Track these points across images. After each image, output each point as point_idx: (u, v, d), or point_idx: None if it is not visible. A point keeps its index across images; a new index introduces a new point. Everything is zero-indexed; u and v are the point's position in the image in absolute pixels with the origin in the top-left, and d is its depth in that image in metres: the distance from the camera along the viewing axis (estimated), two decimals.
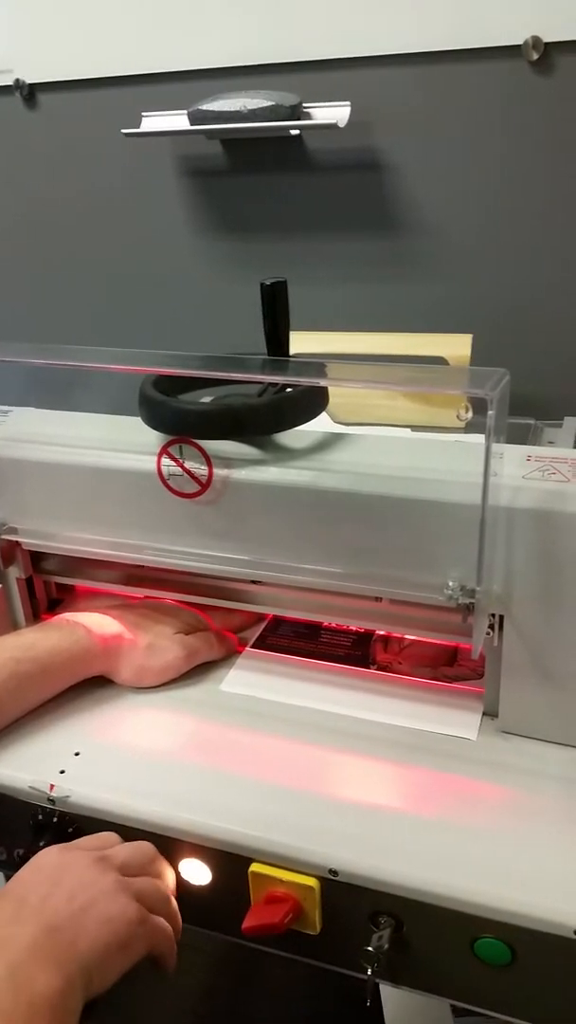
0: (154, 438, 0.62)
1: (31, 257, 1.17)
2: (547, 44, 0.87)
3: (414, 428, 0.84)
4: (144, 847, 0.54)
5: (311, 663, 0.69)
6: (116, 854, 0.52)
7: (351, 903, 0.52)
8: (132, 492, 0.63)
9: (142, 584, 0.72)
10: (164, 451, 0.60)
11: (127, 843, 0.54)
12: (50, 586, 0.77)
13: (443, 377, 0.57)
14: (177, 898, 0.55)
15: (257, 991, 0.99)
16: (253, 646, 0.72)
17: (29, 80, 1.06)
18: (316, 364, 0.58)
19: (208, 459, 0.60)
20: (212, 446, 0.61)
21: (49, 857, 0.50)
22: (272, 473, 0.60)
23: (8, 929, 0.44)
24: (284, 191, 1.02)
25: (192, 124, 0.99)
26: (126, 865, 0.51)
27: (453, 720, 0.62)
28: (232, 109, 0.97)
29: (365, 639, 0.71)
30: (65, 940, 0.44)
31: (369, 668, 0.68)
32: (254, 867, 0.53)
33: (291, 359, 0.63)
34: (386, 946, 0.51)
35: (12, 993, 0.41)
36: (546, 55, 0.88)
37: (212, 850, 0.55)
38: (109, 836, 0.55)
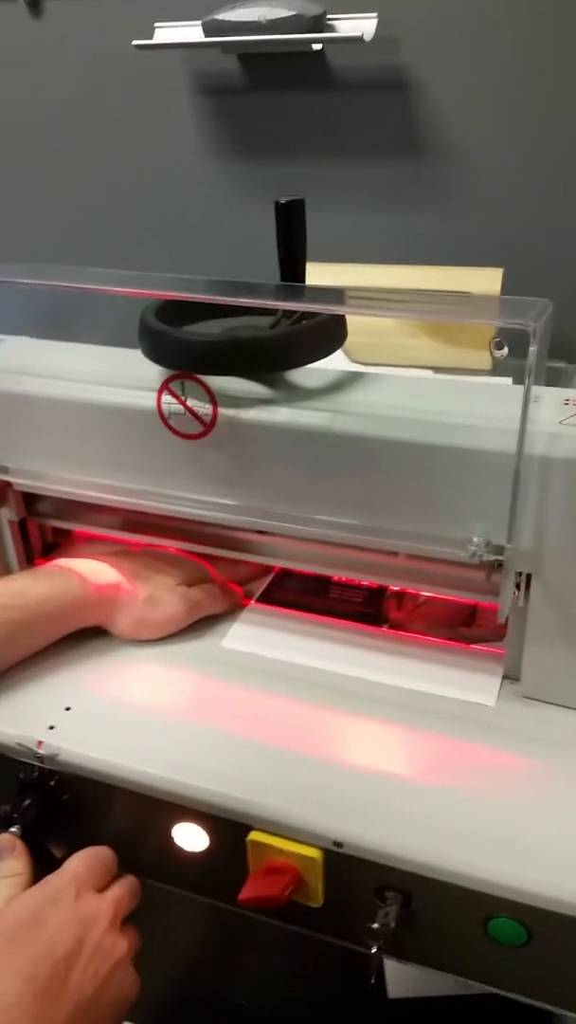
0: (156, 373, 0.57)
1: (34, 179, 1.10)
2: None
3: (437, 370, 0.79)
4: (132, 883, 0.54)
5: (319, 619, 0.65)
6: (121, 903, 0.52)
7: (356, 876, 0.49)
8: (130, 431, 0.58)
9: (142, 531, 0.67)
10: (164, 387, 0.55)
11: (118, 882, 0.53)
12: (45, 529, 0.73)
13: (476, 308, 0.51)
14: (171, 863, 0.54)
15: (249, 947, 0.97)
16: (259, 600, 0.67)
17: None
18: (334, 291, 0.52)
19: (213, 397, 0.55)
20: (218, 383, 0.56)
21: (67, 901, 0.49)
22: (282, 414, 0.55)
23: (43, 1006, 0.45)
24: (305, 111, 0.95)
25: (207, 36, 0.92)
26: (127, 910, 0.52)
27: (471, 684, 0.58)
28: (250, 20, 0.89)
29: (378, 595, 0.67)
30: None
31: (381, 626, 0.64)
32: (253, 835, 0.50)
33: (307, 286, 0.58)
34: (393, 924, 0.48)
35: None
36: None
37: (209, 815, 0.51)
38: (105, 856, 0.53)
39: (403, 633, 0.63)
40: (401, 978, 0.94)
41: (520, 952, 0.47)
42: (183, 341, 0.55)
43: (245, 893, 0.50)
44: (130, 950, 0.50)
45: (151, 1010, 0.88)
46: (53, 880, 0.50)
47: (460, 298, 0.60)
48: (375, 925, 0.48)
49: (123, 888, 0.52)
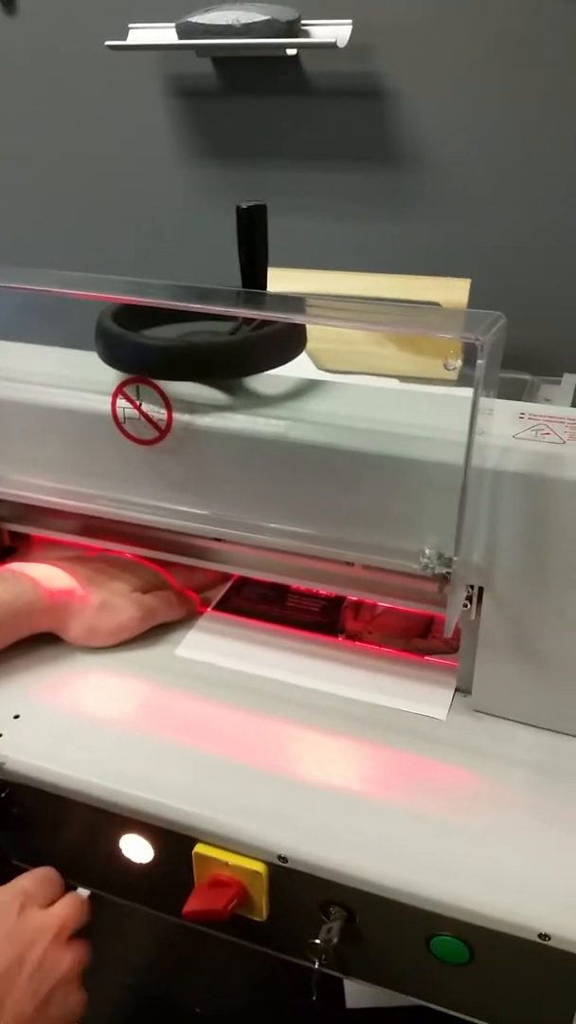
0: (112, 376, 0.56)
1: (1, 174, 1.09)
2: None
3: (402, 379, 0.79)
4: (79, 899, 0.53)
5: (276, 628, 0.64)
6: (67, 919, 0.50)
7: (301, 891, 0.49)
8: (84, 435, 0.58)
9: (100, 535, 0.66)
10: (119, 391, 0.54)
11: (65, 898, 0.52)
12: (2, 533, 0.71)
13: (431, 319, 0.51)
14: (119, 874, 0.53)
15: (205, 954, 0.95)
16: (215, 607, 0.67)
17: None
18: (294, 299, 0.52)
19: (168, 402, 0.54)
20: (175, 388, 0.55)
21: (10, 915, 0.48)
22: (238, 421, 0.54)
23: None
24: (277, 116, 0.94)
25: (181, 38, 0.91)
26: (74, 926, 0.51)
27: (423, 696, 0.58)
28: (224, 23, 0.89)
29: (335, 605, 0.66)
30: None
31: (337, 637, 0.64)
32: (199, 848, 0.49)
33: (267, 293, 0.57)
34: (335, 939, 0.48)
35: None
36: None
37: (155, 827, 0.51)
38: (52, 875, 0.52)
39: (358, 644, 0.63)
40: (360, 988, 0.94)
41: (463, 970, 0.47)
42: (138, 345, 0.54)
43: (189, 906, 0.49)
44: (76, 967, 0.49)
45: (105, 1017, 0.87)
46: None
47: (416, 310, 0.59)
48: (317, 941, 0.48)
49: (69, 904, 0.51)
